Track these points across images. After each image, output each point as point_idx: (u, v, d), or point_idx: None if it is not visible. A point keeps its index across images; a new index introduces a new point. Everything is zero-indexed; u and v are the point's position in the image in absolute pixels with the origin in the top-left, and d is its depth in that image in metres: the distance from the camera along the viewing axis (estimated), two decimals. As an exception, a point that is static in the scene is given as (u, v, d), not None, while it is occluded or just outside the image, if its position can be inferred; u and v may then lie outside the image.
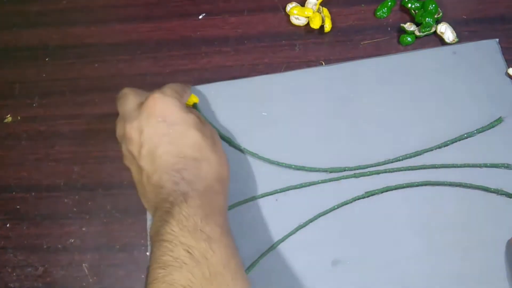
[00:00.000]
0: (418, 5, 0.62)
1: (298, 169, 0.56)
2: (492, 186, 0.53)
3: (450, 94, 0.58)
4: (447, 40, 0.60)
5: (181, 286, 0.38)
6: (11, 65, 0.66)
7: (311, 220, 0.54)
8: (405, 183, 0.54)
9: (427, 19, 0.60)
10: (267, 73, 0.61)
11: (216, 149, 0.48)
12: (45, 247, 0.57)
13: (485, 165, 0.54)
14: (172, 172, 0.45)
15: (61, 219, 0.58)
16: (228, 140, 0.58)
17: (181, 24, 0.66)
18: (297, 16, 0.63)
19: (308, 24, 0.63)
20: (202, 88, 0.61)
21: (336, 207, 0.54)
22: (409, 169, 0.55)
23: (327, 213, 0.54)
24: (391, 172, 0.55)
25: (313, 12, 0.63)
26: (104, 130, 0.61)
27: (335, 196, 0.55)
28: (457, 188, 0.54)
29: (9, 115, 0.63)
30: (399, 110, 0.58)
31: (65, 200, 0.58)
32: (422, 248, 0.52)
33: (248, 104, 0.60)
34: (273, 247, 0.53)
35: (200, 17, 0.66)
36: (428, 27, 0.60)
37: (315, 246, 0.53)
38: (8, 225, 0.58)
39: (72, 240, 0.56)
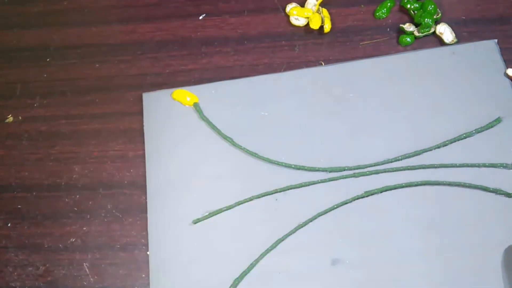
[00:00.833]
0: (417, 5, 0.62)
1: (298, 169, 0.56)
2: (491, 185, 0.53)
3: (449, 94, 0.58)
4: (446, 41, 0.60)
5: None
6: (12, 65, 0.66)
7: (311, 220, 0.54)
8: (404, 183, 0.55)
9: (426, 19, 0.60)
10: (267, 73, 0.62)
11: None
12: (46, 246, 0.57)
13: (484, 165, 0.54)
14: None
15: (61, 218, 0.58)
16: (228, 140, 0.58)
17: (181, 25, 0.66)
18: (297, 17, 0.63)
19: (307, 24, 0.64)
20: (202, 88, 0.61)
21: (335, 206, 0.54)
22: (408, 169, 0.55)
23: (327, 212, 0.54)
24: (391, 172, 0.55)
25: (313, 13, 0.63)
26: (105, 130, 0.61)
27: (335, 196, 0.55)
28: (456, 188, 0.54)
29: (10, 115, 0.63)
30: (398, 110, 0.58)
31: (66, 200, 0.58)
32: (421, 247, 0.52)
33: (248, 104, 0.60)
34: (273, 247, 0.53)
35: (201, 17, 0.66)
36: (427, 27, 0.60)
37: (315, 246, 0.54)
38: (9, 225, 0.58)
39: (73, 240, 0.57)
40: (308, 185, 0.56)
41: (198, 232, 0.55)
